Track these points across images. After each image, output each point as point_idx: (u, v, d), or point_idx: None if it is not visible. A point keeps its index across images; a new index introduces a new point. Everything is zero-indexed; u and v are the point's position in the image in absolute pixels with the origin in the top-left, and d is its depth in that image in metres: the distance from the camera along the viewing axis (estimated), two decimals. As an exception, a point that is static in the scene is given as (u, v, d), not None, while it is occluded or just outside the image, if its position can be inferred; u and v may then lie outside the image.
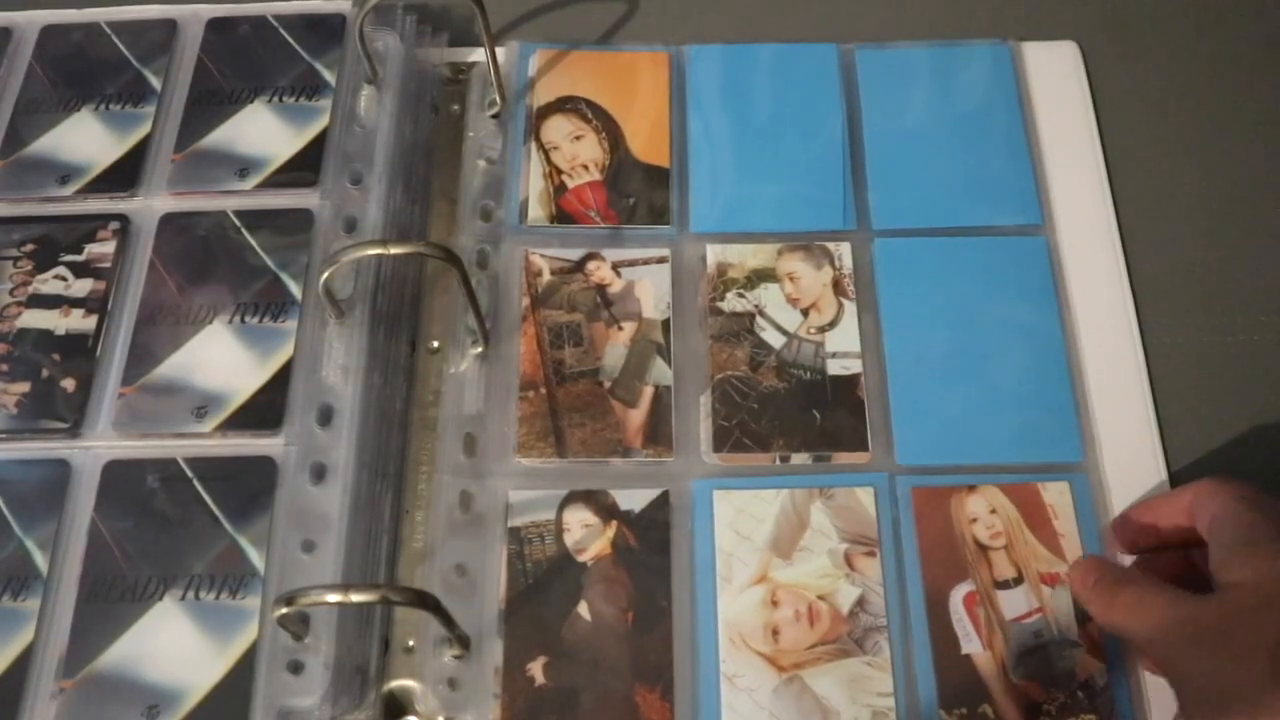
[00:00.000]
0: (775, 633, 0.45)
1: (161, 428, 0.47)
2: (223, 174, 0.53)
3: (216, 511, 0.46)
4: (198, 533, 0.45)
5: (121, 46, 0.57)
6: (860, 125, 0.55)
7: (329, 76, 0.55)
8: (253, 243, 0.51)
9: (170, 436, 0.47)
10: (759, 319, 0.51)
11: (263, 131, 0.54)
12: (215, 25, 0.57)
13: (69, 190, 0.53)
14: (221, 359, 0.49)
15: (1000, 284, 0.51)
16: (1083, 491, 0.47)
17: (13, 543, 0.45)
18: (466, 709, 0.43)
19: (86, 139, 0.54)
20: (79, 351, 0.49)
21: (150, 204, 0.53)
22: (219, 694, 0.43)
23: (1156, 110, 0.57)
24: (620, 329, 0.51)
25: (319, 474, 0.46)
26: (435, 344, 0.52)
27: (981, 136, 0.55)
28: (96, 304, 0.50)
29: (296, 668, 0.43)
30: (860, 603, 0.45)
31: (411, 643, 0.46)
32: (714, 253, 0.52)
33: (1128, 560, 0.45)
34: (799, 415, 0.49)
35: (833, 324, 0.51)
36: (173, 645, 0.43)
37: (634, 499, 0.47)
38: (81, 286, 0.51)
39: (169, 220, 0.52)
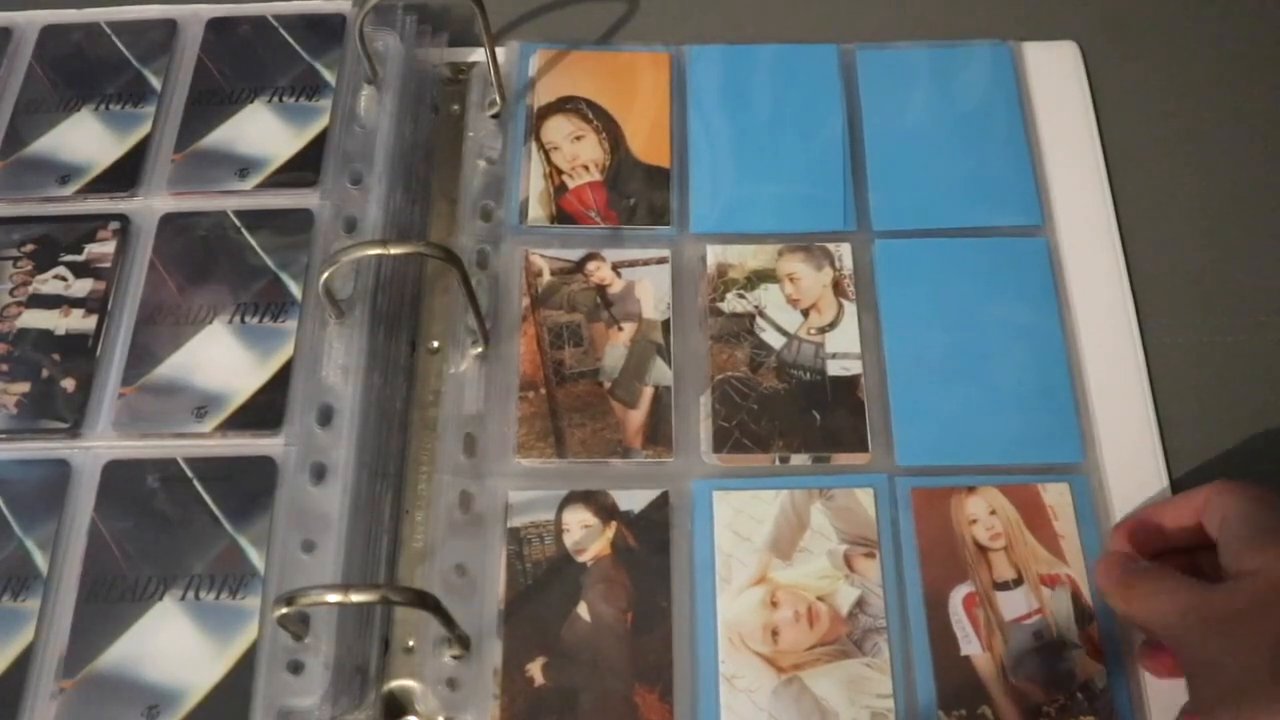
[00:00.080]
0: (774, 634, 0.45)
1: (161, 428, 0.47)
2: (223, 174, 0.53)
3: (216, 511, 0.46)
4: (198, 533, 0.45)
5: (121, 46, 0.57)
6: (860, 126, 0.55)
7: (329, 76, 0.55)
8: (253, 243, 0.51)
9: (170, 436, 0.47)
10: (759, 320, 0.51)
11: (263, 131, 0.54)
12: (215, 25, 0.57)
13: (69, 190, 0.53)
14: (221, 359, 0.49)
15: (1000, 285, 0.51)
16: (1083, 492, 0.47)
17: (13, 543, 0.45)
18: (466, 709, 0.43)
19: (86, 139, 0.54)
20: (79, 351, 0.49)
21: (150, 204, 0.53)
22: (219, 694, 0.43)
23: (1156, 110, 0.57)
24: (620, 329, 0.51)
25: (319, 474, 0.46)
26: (435, 344, 0.52)
27: (982, 137, 0.55)
28: (96, 304, 0.50)
29: (296, 668, 0.43)
30: (860, 604, 0.45)
31: (411, 643, 0.46)
32: (714, 253, 0.52)
33: None
34: (799, 416, 0.49)
35: (833, 325, 0.51)
36: (173, 645, 0.43)
37: (633, 499, 0.47)
38: (81, 286, 0.51)
39: (169, 220, 0.52)
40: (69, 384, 0.48)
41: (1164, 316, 0.52)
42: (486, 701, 0.43)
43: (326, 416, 0.47)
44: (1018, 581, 0.45)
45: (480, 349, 0.49)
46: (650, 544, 0.46)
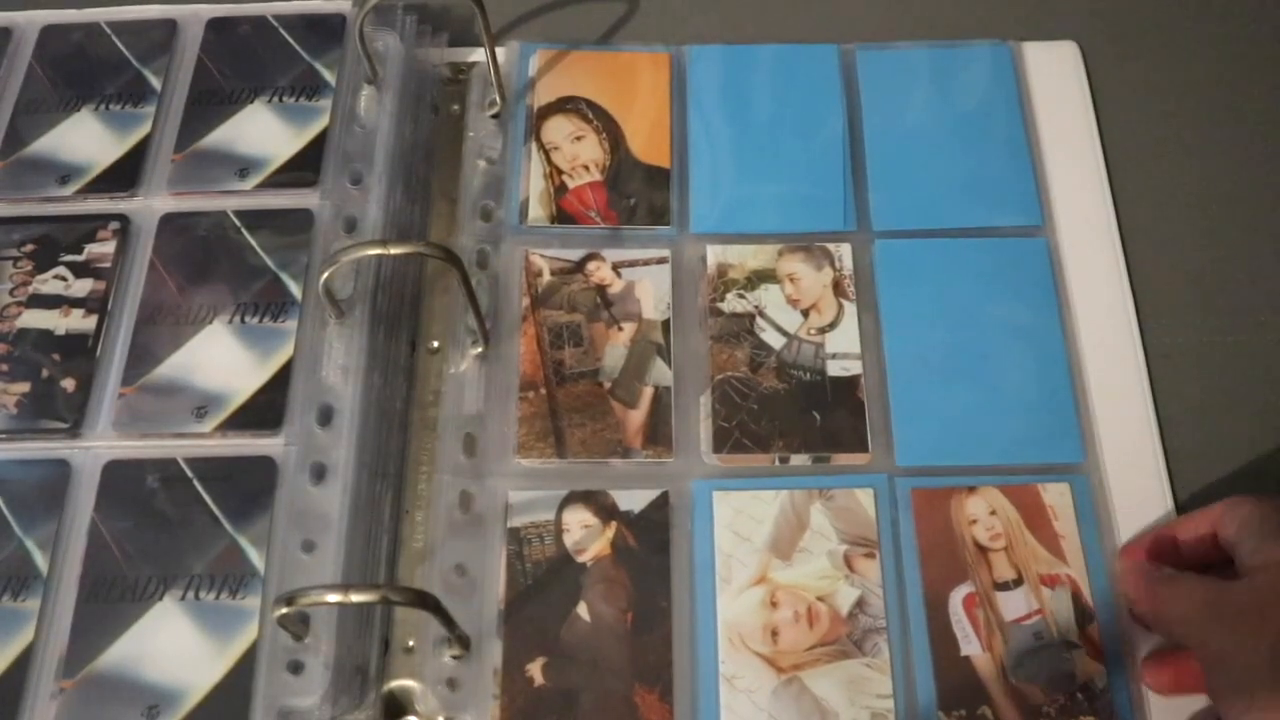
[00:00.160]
0: (774, 634, 0.45)
1: (161, 428, 0.47)
2: (223, 174, 0.53)
3: (216, 511, 0.46)
4: (198, 533, 0.45)
5: (121, 46, 0.57)
6: (860, 126, 0.55)
7: (329, 76, 0.55)
8: (253, 243, 0.51)
9: (170, 436, 0.47)
10: (759, 320, 0.51)
11: (263, 131, 0.54)
12: (215, 25, 0.57)
13: (69, 190, 0.53)
14: (221, 359, 0.49)
15: (1000, 285, 0.51)
16: (1083, 492, 0.47)
17: (13, 543, 0.45)
18: (466, 709, 0.43)
19: (86, 139, 0.54)
20: (79, 351, 0.49)
21: (150, 204, 0.53)
22: (219, 694, 0.43)
23: (1156, 110, 0.57)
24: (620, 329, 0.51)
25: (319, 474, 0.46)
26: (435, 344, 0.52)
27: (982, 137, 0.55)
28: (96, 304, 0.50)
29: (296, 668, 0.43)
30: (859, 604, 0.45)
31: (411, 643, 0.46)
32: (714, 253, 0.52)
33: None
34: (799, 416, 0.49)
35: (833, 325, 0.51)
36: (173, 645, 0.43)
37: (633, 499, 0.47)
38: (81, 286, 0.51)
39: (169, 220, 0.52)
40: (69, 384, 0.48)
41: (1164, 316, 0.52)
42: (486, 701, 0.43)
43: (326, 416, 0.47)
44: (1018, 582, 0.45)
45: (480, 349, 0.49)
46: (650, 544, 0.46)
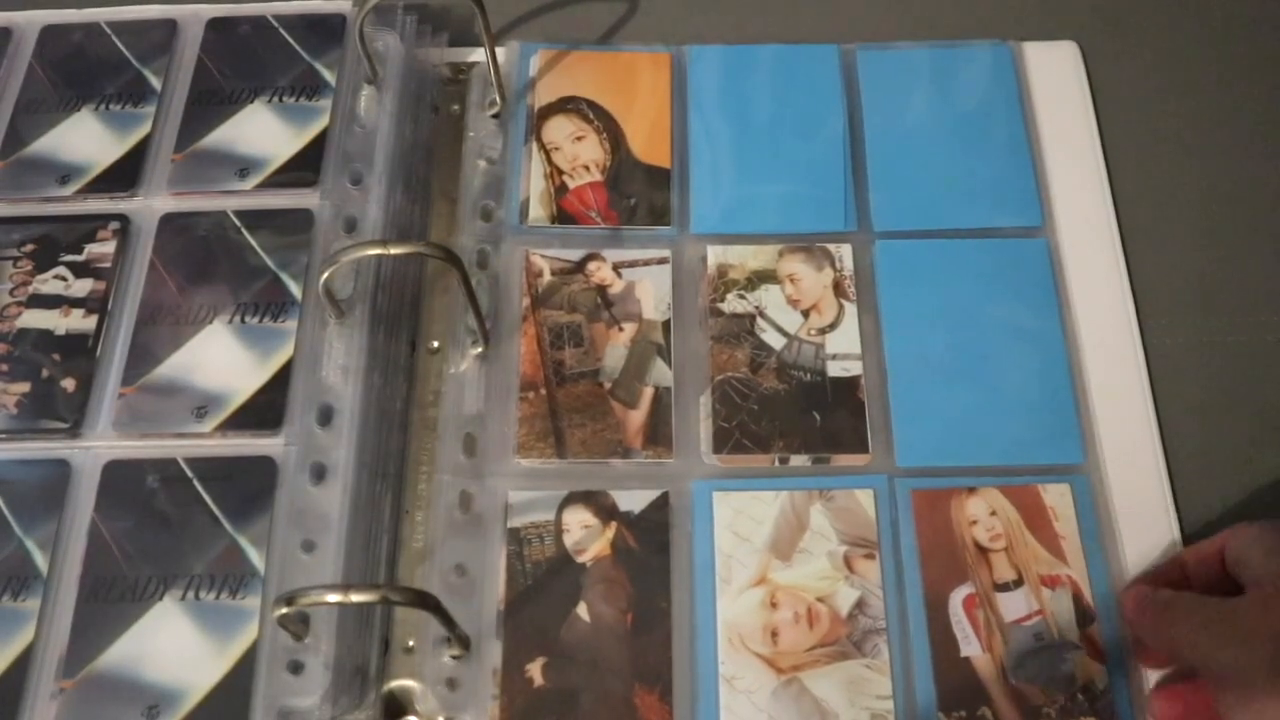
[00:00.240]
0: (774, 634, 0.45)
1: (161, 428, 0.47)
2: (223, 174, 0.53)
3: (216, 511, 0.46)
4: (198, 533, 0.45)
5: (121, 46, 0.57)
6: (861, 126, 0.55)
7: (329, 76, 0.55)
8: (253, 243, 0.51)
9: (170, 436, 0.47)
10: (759, 320, 0.51)
11: (263, 131, 0.54)
12: (215, 25, 0.57)
13: (69, 190, 0.53)
14: (221, 359, 0.49)
15: (1001, 286, 0.51)
16: (1084, 493, 0.47)
17: (13, 543, 0.45)
18: (465, 709, 0.43)
19: (86, 139, 0.54)
20: (79, 351, 0.49)
21: (150, 204, 0.53)
22: (219, 694, 0.43)
23: (1156, 110, 0.57)
24: (621, 330, 0.51)
25: (319, 474, 0.46)
26: (435, 344, 0.52)
27: (982, 138, 0.55)
28: (96, 304, 0.50)
29: (296, 668, 0.43)
30: (859, 605, 0.45)
31: (411, 643, 0.46)
32: (714, 254, 0.52)
33: None
34: (799, 417, 0.49)
35: (833, 326, 0.51)
36: (173, 645, 0.43)
37: (633, 500, 0.47)
38: (81, 286, 0.51)
39: (169, 220, 0.52)
40: (69, 384, 0.48)
41: (1163, 316, 0.52)
42: (486, 702, 0.43)
43: (326, 416, 0.47)
44: (1018, 582, 0.45)
45: (480, 349, 0.49)
46: (650, 545, 0.46)
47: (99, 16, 0.58)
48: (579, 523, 0.47)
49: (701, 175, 0.54)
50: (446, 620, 0.40)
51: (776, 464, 0.48)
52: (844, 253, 0.52)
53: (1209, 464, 0.48)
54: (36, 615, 0.44)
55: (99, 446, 0.47)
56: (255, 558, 0.45)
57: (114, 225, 0.52)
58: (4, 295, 0.51)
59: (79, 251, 0.51)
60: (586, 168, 0.54)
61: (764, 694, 0.44)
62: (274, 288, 0.50)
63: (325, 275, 0.44)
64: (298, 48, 0.56)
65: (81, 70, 0.56)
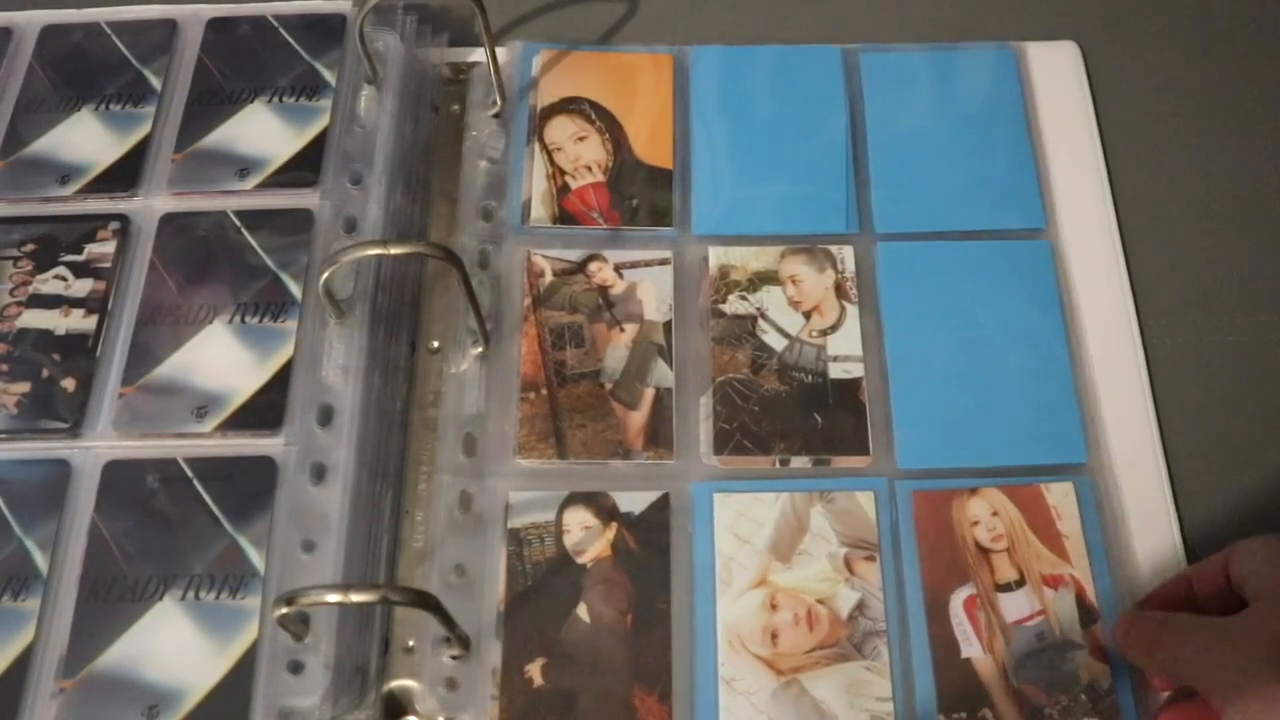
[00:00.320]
0: (774, 636, 0.45)
1: (161, 428, 0.47)
2: (223, 174, 0.53)
3: (216, 511, 0.46)
4: (198, 533, 0.45)
5: (121, 46, 0.57)
6: (863, 128, 0.55)
7: (329, 76, 0.55)
8: (253, 243, 0.51)
9: (170, 436, 0.47)
10: (761, 321, 0.51)
11: (263, 131, 0.54)
12: (215, 25, 0.57)
13: (69, 190, 0.53)
14: (221, 359, 0.48)
15: (1003, 288, 0.51)
16: (1087, 492, 0.47)
17: (13, 543, 0.45)
18: (465, 709, 0.43)
19: (86, 139, 0.54)
20: (79, 351, 0.49)
21: (150, 204, 0.53)
22: (219, 694, 0.43)
23: (1156, 110, 0.57)
24: (622, 330, 0.51)
25: (319, 474, 0.46)
26: (435, 344, 0.51)
27: (984, 140, 0.55)
28: (96, 304, 0.50)
29: (296, 668, 0.43)
30: (859, 607, 0.45)
31: (411, 643, 0.46)
32: (716, 255, 0.52)
33: None
34: (800, 418, 0.49)
35: (834, 327, 0.51)
36: (173, 645, 0.43)
37: (634, 501, 0.47)
38: (81, 286, 0.51)
39: (169, 220, 0.52)
40: (69, 384, 0.48)
41: (1164, 316, 0.52)
42: (485, 702, 0.43)
43: (326, 416, 0.47)
44: (1020, 583, 0.45)
45: (481, 349, 0.49)
46: (650, 546, 0.46)
47: (99, 16, 0.58)
48: (579, 523, 0.47)
49: (703, 176, 0.54)
50: (446, 620, 0.40)
51: (777, 465, 0.48)
52: (846, 254, 0.52)
53: (1209, 464, 0.48)
54: (36, 615, 0.44)
55: (99, 446, 0.47)
56: (255, 558, 0.45)
57: (114, 225, 0.52)
58: (4, 295, 0.51)
59: (79, 251, 0.51)
60: (588, 168, 0.54)
61: (763, 696, 0.44)
62: (274, 288, 0.50)
63: (325, 275, 0.44)
64: (298, 48, 0.56)
65: (81, 70, 0.56)
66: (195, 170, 0.53)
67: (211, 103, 0.55)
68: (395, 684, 0.45)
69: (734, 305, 0.51)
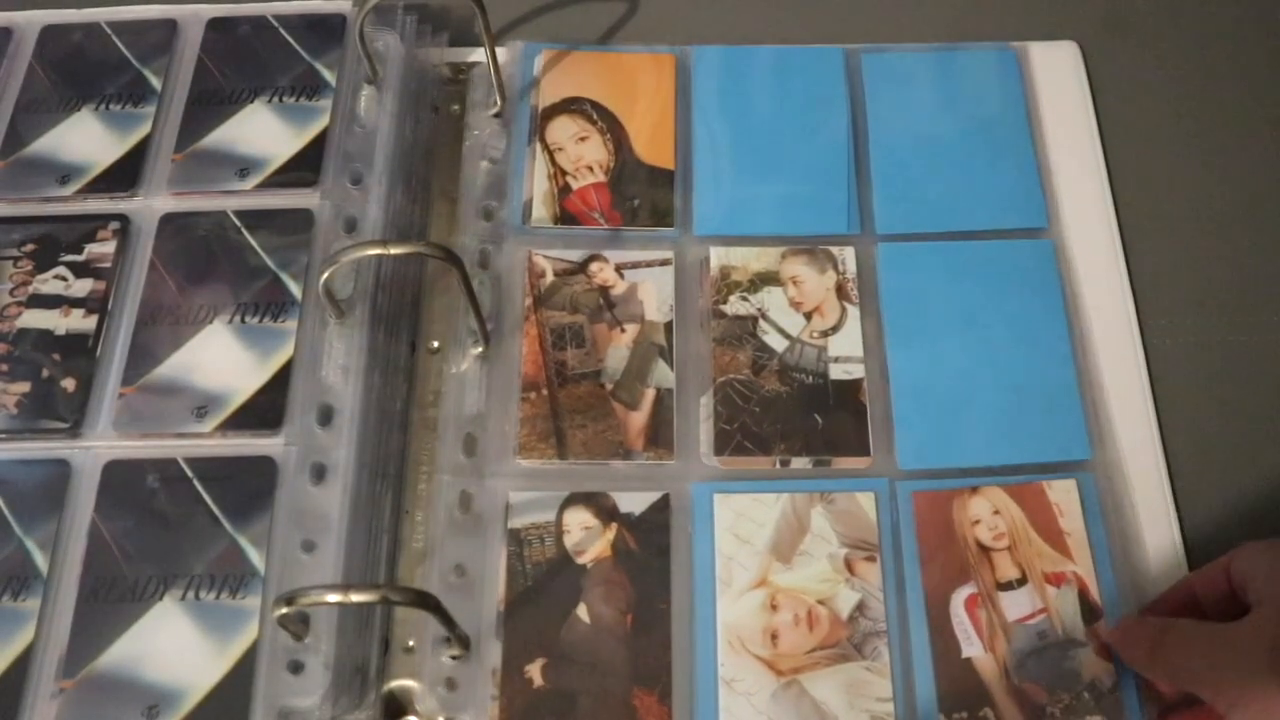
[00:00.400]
0: (774, 637, 0.45)
1: (161, 428, 0.47)
2: (223, 174, 0.53)
3: (216, 511, 0.46)
4: (198, 533, 0.45)
5: (121, 46, 0.57)
6: (865, 128, 0.55)
7: (329, 76, 0.55)
8: (253, 243, 0.51)
9: (170, 436, 0.47)
10: (761, 322, 0.51)
11: (263, 131, 0.54)
12: (215, 25, 0.57)
13: (69, 190, 0.53)
14: (221, 359, 0.48)
15: (1005, 289, 0.51)
16: (1090, 489, 0.47)
17: (13, 543, 0.45)
18: (465, 709, 0.43)
19: (86, 139, 0.54)
20: (79, 351, 0.49)
21: (150, 204, 0.53)
22: (219, 694, 0.43)
23: (1157, 110, 0.57)
24: (622, 331, 0.50)
25: (319, 474, 0.46)
26: (435, 344, 0.51)
27: (985, 140, 0.55)
28: (96, 304, 0.50)
29: (296, 668, 0.43)
30: (860, 607, 0.45)
31: (411, 643, 0.46)
32: (717, 255, 0.52)
33: None
34: (800, 419, 0.49)
35: (835, 328, 0.51)
36: (173, 645, 0.43)
37: (634, 501, 0.47)
38: (81, 286, 0.51)
39: (169, 220, 0.52)
40: (69, 384, 0.48)
41: (1164, 316, 0.52)
42: (485, 702, 0.43)
43: (326, 416, 0.47)
44: (1021, 581, 0.45)
45: (481, 349, 0.49)
46: (651, 546, 0.46)
47: (99, 16, 0.58)
48: (579, 524, 0.47)
49: (704, 177, 0.54)
50: (446, 620, 0.40)
51: (777, 466, 0.48)
52: (847, 255, 0.52)
53: (1209, 464, 0.48)
54: (36, 615, 0.44)
55: (99, 446, 0.47)
56: (255, 558, 0.45)
57: (114, 225, 0.52)
58: (4, 295, 0.51)
59: (79, 251, 0.51)
60: (590, 168, 0.54)
61: (763, 696, 0.44)
62: (274, 288, 0.50)
63: (325, 275, 0.44)
64: (298, 48, 0.56)
65: (81, 70, 0.56)
66: (195, 170, 0.53)
67: (211, 103, 0.55)
68: (395, 684, 0.45)
69: (735, 306, 0.51)
